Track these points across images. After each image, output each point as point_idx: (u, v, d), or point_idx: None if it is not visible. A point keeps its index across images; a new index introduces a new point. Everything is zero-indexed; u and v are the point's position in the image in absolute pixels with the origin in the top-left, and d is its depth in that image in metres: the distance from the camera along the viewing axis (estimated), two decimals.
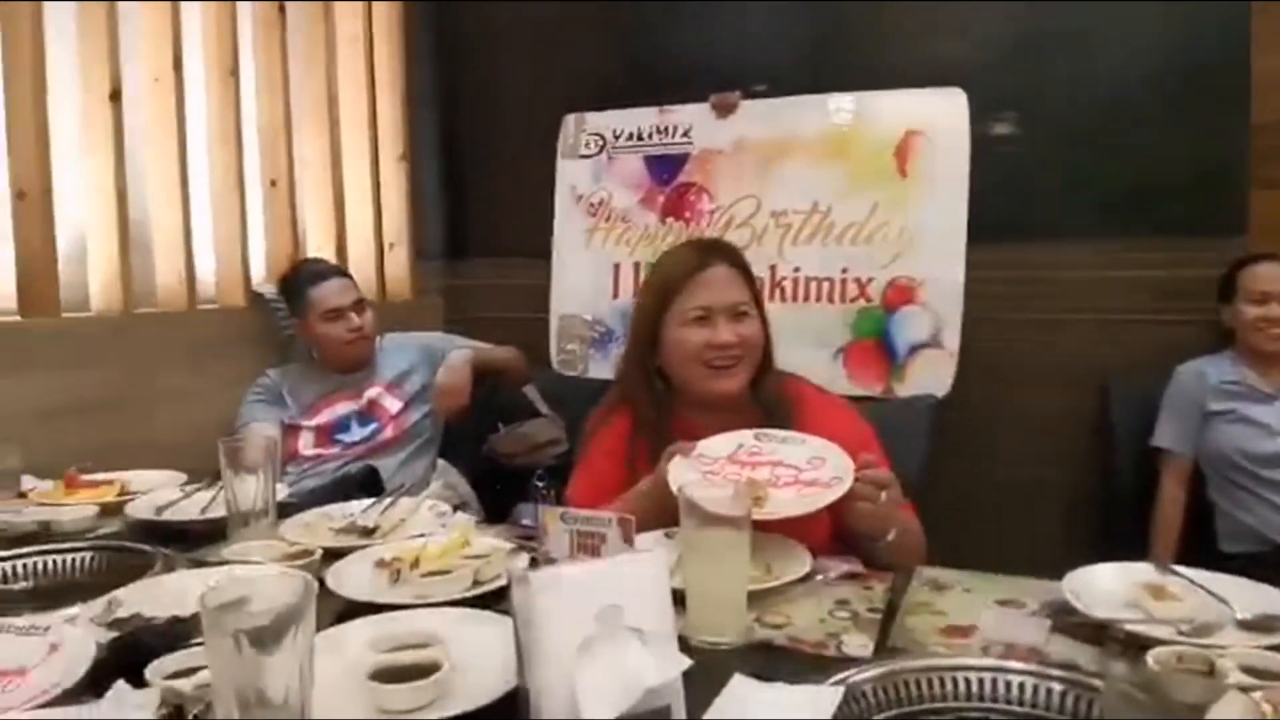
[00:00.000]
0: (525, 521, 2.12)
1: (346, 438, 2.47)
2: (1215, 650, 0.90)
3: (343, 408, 2.50)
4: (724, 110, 3.00)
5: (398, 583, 1.19)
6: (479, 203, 3.45)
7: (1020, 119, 2.71)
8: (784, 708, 0.85)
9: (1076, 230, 2.66)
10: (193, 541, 1.46)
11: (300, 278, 2.55)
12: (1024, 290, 2.71)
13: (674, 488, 1.31)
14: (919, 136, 2.76)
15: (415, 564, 1.21)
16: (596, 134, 3.19)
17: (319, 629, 0.78)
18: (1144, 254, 2.58)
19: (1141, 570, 1.16)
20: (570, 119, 3.22)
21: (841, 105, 2.86)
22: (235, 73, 2.63)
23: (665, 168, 3.09)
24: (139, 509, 1.62)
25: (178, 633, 0.97)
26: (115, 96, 2.28)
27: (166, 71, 2.43)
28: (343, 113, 3.08)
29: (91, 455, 1.90)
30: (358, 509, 1.56)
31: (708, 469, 1.38)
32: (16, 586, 1.31)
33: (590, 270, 3.18)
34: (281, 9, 2.83)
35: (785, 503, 1.29)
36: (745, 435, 1.45)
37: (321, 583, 1.12)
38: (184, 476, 1.83)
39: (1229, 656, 0.88)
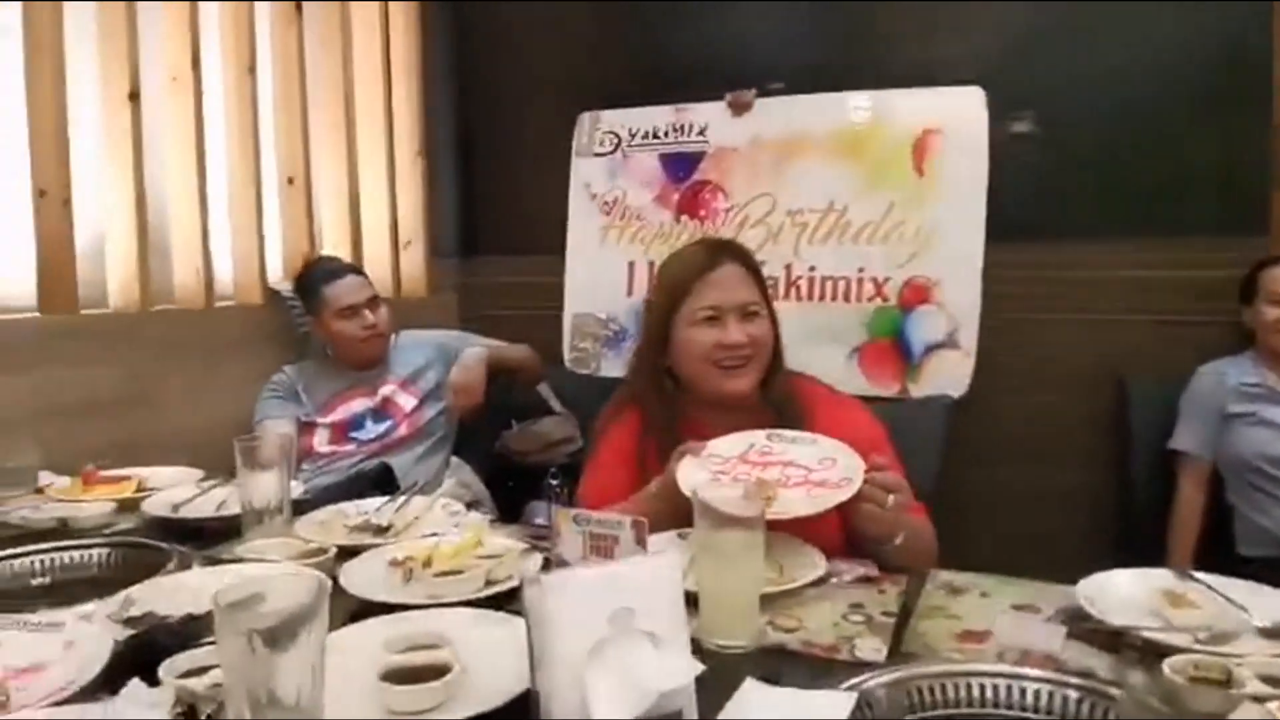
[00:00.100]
0: (538, 520, 2.14)
1: (361, 435, 2.48)
2: (1233, 659, 0.89)
3: (358, 405, 2.51)
4: (740, 108, 2.99)
5: (410, 582, 1.19)
6: (494, 200, 3.45)
7: (1039, 118, 2.69)
8: (796, 712, 0.85)
9: (1096, 231, 2.64)
10: (208, 538, 1.46)
11: (315, 275, 2.56)
12: (1042, 290, 2.68)
13: (683, 487, 1.31)
14: (936, 135, 2.74)
15: (428, 563, 1.21)
16: (612, 132, 3.18)
17: (332, 628, 0.78)
18: (1164, 255, 2.55)
19: (1159, 576, 1.15)
20: (585, 117, 3.22)
21: (858, 103, 2.84)
22: (252, 71, 2.64)
23: (680, 166, 3.08)
24: (155, 506, 1.63)
25: (191, 631, 0.97)
26: (134, 96, 2.29)
27: (185, 71, 2.44)
28: (359, 111, 3.09)
29: (109, 452, 1.92)
30: (372, 507, 1.57)
31: (718, 469, 1.38)
32: (35, 582, 1.32)
33: (604, 268, 3.18)
34: (299, 8, 2.84)
35: (794, 502, 1.28)
36: (757, 435, 1.44)
37: (334, 581, 1.13)
38: (200, 473, 1.84)
39: (1246, 665, 0.87)
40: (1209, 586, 1.10)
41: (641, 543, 1.00)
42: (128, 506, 1.66)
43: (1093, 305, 2.65)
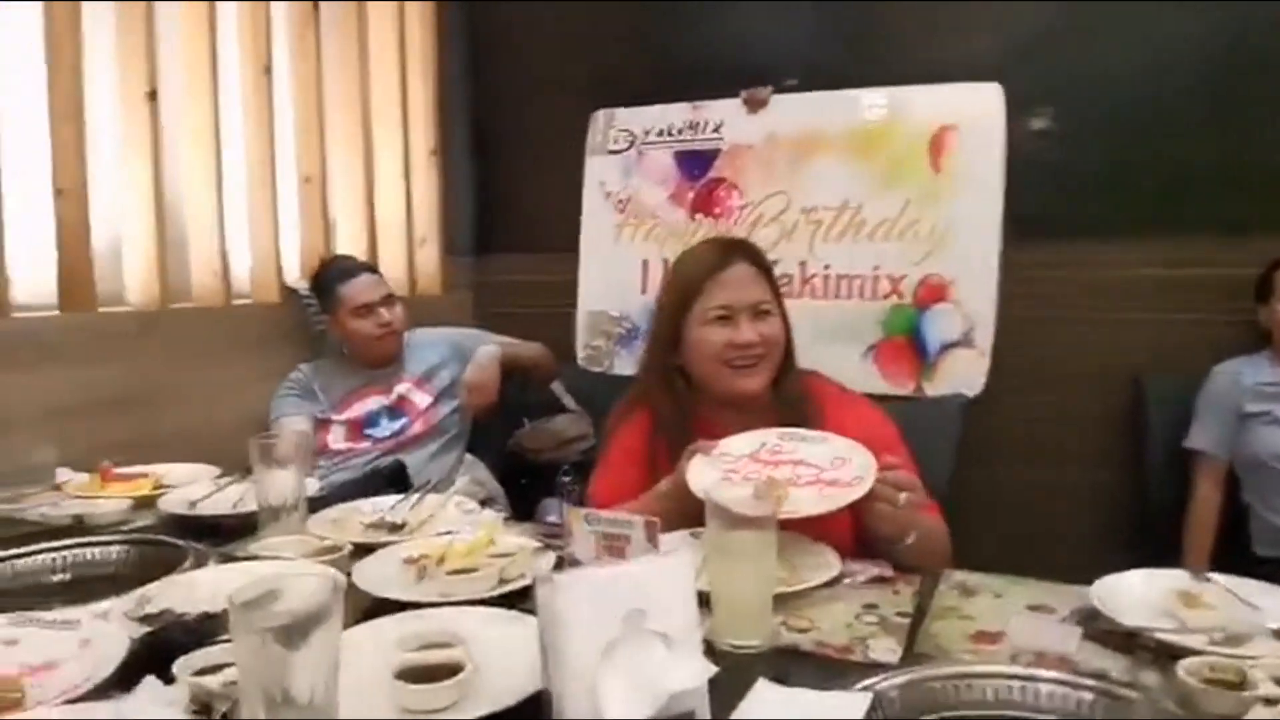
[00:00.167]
0: (550, 518, 2.14)
1: (376, 432, 2.49)
2: (1247, 660, 0.89)
3: (372, 402, 2.52)
4: (755, 105, 2.98)
5: (423, 580, 1.19)
6: (509, 198, 3.46)
7: (1057, 115, 2.67)
8: (810, 713, 0.85)
9: (1112, 229, 2.61)
10: (225, 535, 1.47)
11: (330, 274, 2.57)
12: (1058, 289, 2.67)
13: (694, 487, 1.31)
14: (953, 132, 2.73)
15: (441, 561, 1.21)
16: (626, 130, 3.18)
17: (345, 625, 0.79)
18: (1180, 253, 2.53)
19: (1173, 577, 1.14)
20: (600, 115, 3.22)
21: (874, 100, 2.83)
22: (269, 70, 2.66)
23: (695, 163, 3.07)
24: (172, 503, 1.64)
25: (207, 629, 0.98)
26: (153, 95, 2.31)
27: (202, 70, 2.46)
28: (375, 110, 3.10)
29: (126, 449, 1.93)
30: (386, 505, 1.57)
31: (729, 468, 1.37)
32: (53, 579, 1.33)
33: (618, 266, 3.18)
34: (315, 7, 2.85)
35: (805, 501, 1.28)
36: (769, 434, 1.44)
37: (348, 577, 1.13)
38: (217, 470, 1.86)
39: (1260, 667, 0.87)
40: (1224, 587, 1.10)
41: (653, 542, 1.00)
42: (144, 503, 1.68)
43: (1109, 304, 2.63)
